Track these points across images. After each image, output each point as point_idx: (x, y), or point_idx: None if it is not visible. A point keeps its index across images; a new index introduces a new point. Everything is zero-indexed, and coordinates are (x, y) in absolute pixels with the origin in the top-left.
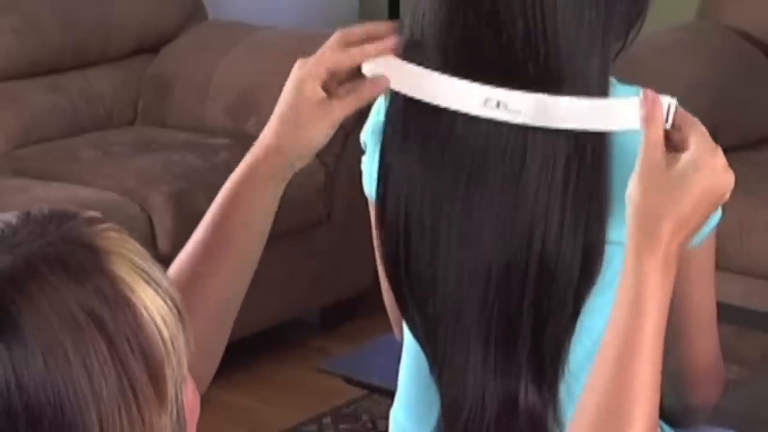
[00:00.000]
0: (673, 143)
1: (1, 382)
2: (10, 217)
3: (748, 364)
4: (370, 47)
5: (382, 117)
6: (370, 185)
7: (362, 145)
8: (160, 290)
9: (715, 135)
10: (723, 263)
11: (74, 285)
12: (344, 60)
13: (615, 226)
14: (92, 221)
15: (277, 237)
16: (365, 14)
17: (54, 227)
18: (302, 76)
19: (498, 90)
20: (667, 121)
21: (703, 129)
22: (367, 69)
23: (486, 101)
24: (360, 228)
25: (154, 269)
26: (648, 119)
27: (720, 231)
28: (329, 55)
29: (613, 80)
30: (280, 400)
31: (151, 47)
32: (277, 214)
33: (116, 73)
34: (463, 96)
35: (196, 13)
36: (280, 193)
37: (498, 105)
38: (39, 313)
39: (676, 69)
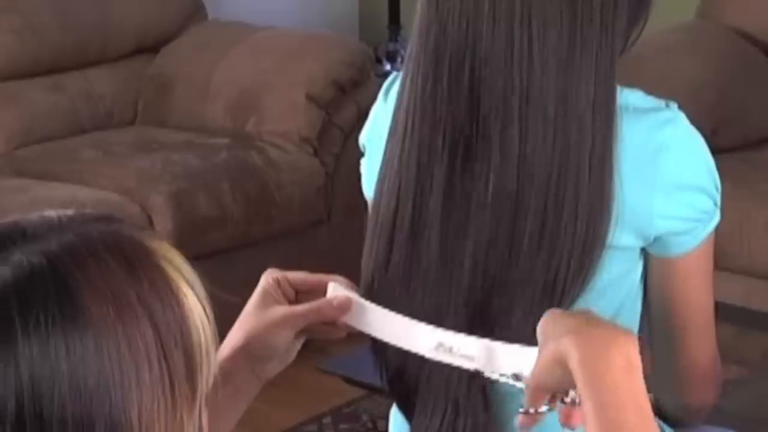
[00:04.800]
0: None
1: (51, 349)
2: (66, 210)
3: (748, 364)
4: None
5: (379, 121)
6: (369, 187)
7: (361, 148)
8: (202, 300)
9: (715, 135)
10: (723, 263)
11: (130, 273)
12: (308, 286)
13: (614, 229)
14: (139, 227)
15: (277, 237)
16: (365, 14)
17: (108, 223)
18: (267, 284)
19: (451, 335)
20: None
21: None
22: (332, 292)
23: (438, 345)
24: (359, 228)
25: (197, 279)
26: None
27: (720, 231)
28: (296, 274)
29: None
30: (280, 400)
31: (151, 47)
32: (277, 215)
33: (116, 73)
34: (417, 339)
35: (196, 13)
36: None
37: (451, 350)
38: (96, 290)
39: (676, 69)
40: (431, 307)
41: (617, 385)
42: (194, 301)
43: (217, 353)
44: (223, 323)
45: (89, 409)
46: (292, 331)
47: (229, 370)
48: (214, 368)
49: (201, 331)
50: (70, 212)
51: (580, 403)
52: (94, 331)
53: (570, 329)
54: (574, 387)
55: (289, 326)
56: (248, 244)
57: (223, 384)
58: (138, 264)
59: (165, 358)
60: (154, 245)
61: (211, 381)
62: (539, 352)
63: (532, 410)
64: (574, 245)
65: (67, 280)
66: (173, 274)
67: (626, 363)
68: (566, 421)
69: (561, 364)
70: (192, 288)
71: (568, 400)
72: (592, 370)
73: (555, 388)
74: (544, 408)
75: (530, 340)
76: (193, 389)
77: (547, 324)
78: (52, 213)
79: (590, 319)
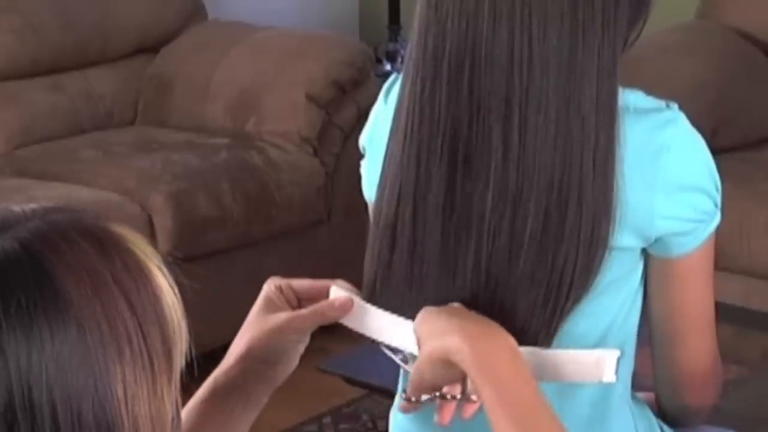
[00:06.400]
0: None
1: (35, 332)
2: (27, 205)
3: (748, 364)
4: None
5: (380, 123)
6: (369, 189)
7: (361, 149)
8: (169, 280)
9: (715, 135)
10: (723, 263)
11: (102, 254)
12: (311, 293)
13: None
14: (100, 215)
15: (277, 237)
16: (365, 14)
17: (71, 212)
18: (270, 290)
19: None
20: (616, 372)
21: None
22: (334, 294)
23: None
24: (360, 228)
25: (162, 263)
26: None
27: (720, 231)
28: (299, 281)
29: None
30: (280, 400)
31: (151, 47)
32: (277, 215)
33: (116, 73)
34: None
35: (196, 13)
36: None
37: None
38: (72, 271)
39: (676, 69)
40: None
41: (510, 371)
42: (163, 281)
43: (187, 332)
44: (222, 321)
45: (77, 388)
46: (297, 335)
47: (237, 378)
48: (185, 346)
49: (172, 309)
50: (32, 205)
51: (467, 397)
52: (74, 311)
53: (451, 327)
54: (456, 382)
55: (293, 330)
56: (248, 244)
57: (234, 392)
58: (110, 246)
59: (143, 335)
60: (120, 230)
61: (182, 359)
62: (419, 350)
63: (413, 398)
64: (579, 246)
65: (43, 263)
66: (142, 256)
67: (510, 351)
68: (463, 415)
69: (445, 360)
70: (160, 269)
71: (459, 396)
72: (483, 360)
73: (434, 384)
74: (424, 398)
75: (534, 341)
76: (170, 365)
77: (423, 324)
78: (14, 207)
79: (466, 316)
